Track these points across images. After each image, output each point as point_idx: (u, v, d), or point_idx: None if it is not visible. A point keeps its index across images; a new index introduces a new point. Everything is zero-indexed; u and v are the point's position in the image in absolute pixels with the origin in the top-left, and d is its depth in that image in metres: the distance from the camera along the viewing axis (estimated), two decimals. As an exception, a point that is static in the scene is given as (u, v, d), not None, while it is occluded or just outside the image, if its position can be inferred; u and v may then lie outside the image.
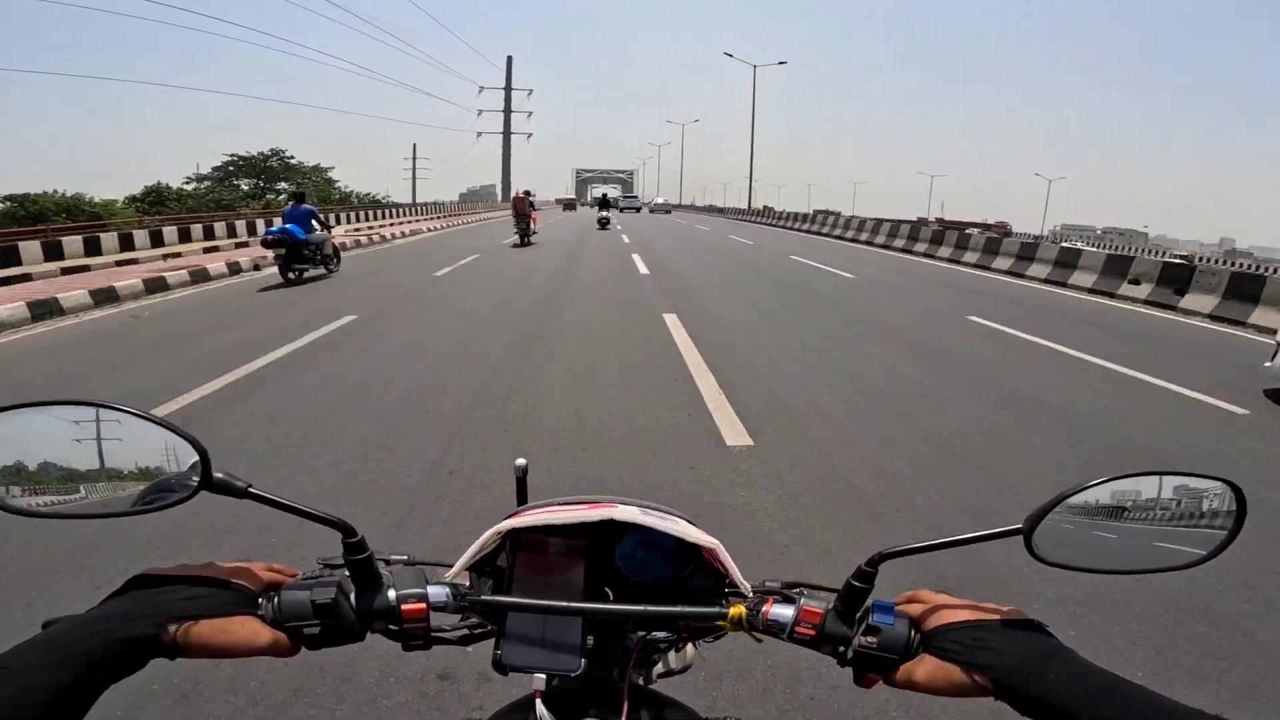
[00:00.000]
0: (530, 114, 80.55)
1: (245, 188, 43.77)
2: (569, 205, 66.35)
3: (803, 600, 0.62)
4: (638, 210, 69.22)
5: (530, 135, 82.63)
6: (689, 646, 0.79)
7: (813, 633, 0.61)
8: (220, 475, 0.55)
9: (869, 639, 0.58)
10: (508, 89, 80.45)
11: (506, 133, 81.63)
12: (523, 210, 18.41)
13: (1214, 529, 0.57)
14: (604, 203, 30.84)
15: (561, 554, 0.67)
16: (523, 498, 0.82)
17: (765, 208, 58.35)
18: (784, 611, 0.62)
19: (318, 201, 34.29)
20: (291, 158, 46.08)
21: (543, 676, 0.64)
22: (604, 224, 27.97)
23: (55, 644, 0.48)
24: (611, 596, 0.69)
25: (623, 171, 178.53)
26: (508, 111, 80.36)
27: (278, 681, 1.97)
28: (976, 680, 0.53)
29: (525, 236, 18.46)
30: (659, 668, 0.78)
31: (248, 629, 0.55)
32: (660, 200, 73.24)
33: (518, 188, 20.52)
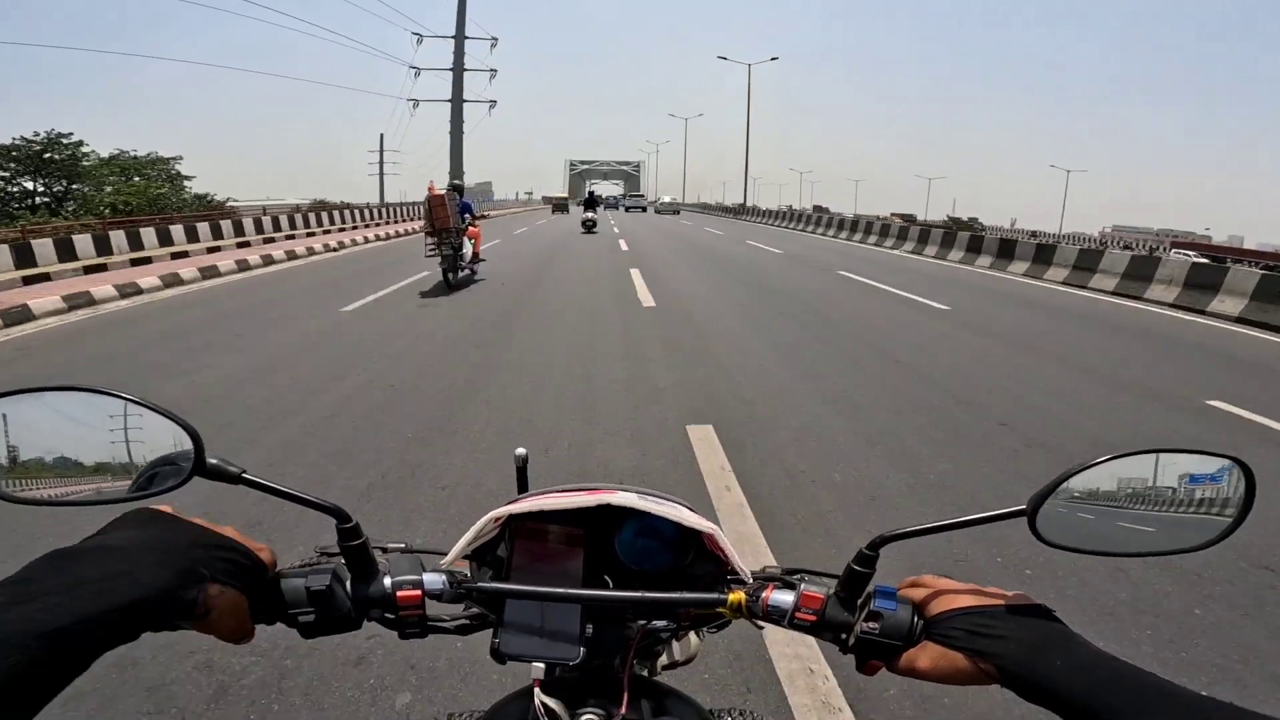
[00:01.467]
0: (493, 73, 51.12)
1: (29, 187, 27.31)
2: (559, 206, 50.74)
3: (803, 586, 0.61)
4: (643, 210, 64.01)
5: (494, 104, 52.25)
6: (692, 636, 0.78)
7: (813, 619, 0.60)
8: (214, 461, 0.55)
9: (871, 625, 0.57)
10: (459, 37, 51.17)
11: (457, 99, 51.71)
12: (447, 221, 9.59)
13: (1223, 509, 0.56)
14: (590, 202, 26.15)
15: (561, 542, 0.66)
16: (523, 487, 0.81)
17: (788, 208, 52.39)
18: (784, 597, 0.61)
19: (149, 203, 25.69)
20: (82, 144, 28.18)
21: (541, 665, 0.64)
22: (589, 227, 23.98)
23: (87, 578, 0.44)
24: (611, 585, 0.68)
25: (627, 164, 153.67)
26: (458, 69, 51.15)
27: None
28: (981, 667, 0.52)
29: (454, 271, 9.84)
30: (663, 659, 0.77)
31: (245, 611, 0.54)
32: (667, 199, 65.27)
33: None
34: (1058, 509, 0.55)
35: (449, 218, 9.48)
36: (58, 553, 0.45)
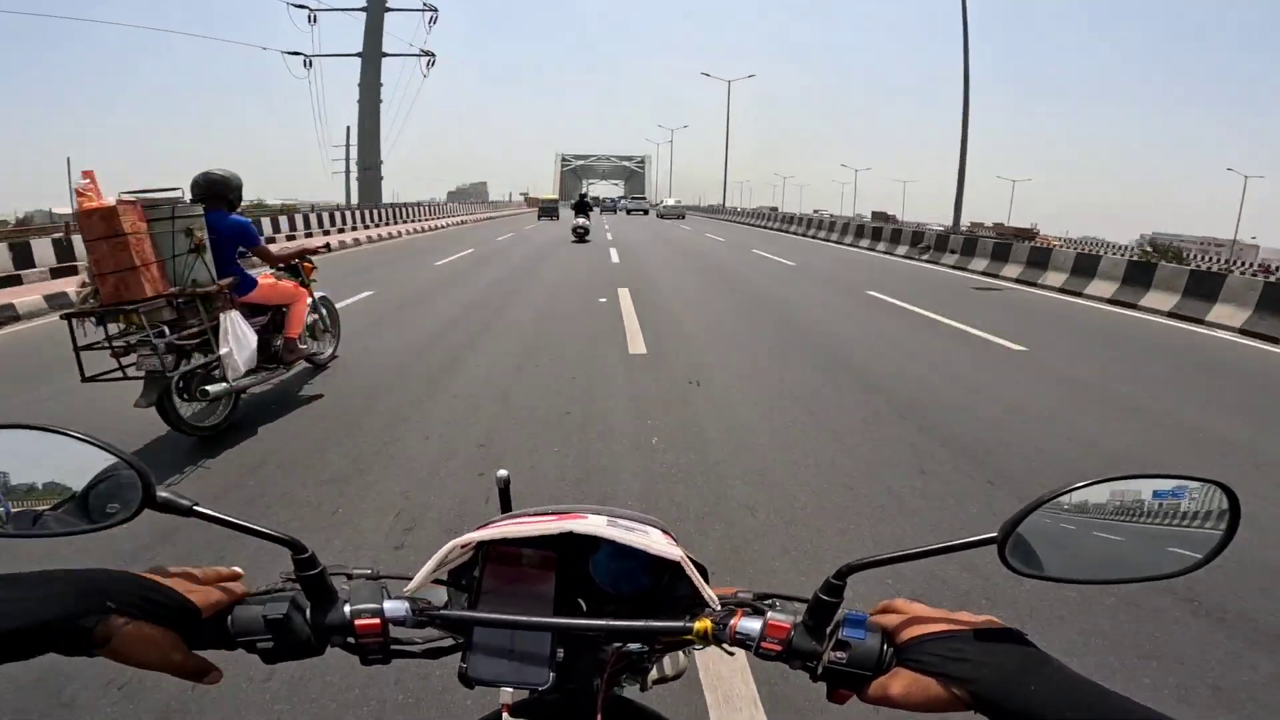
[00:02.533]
0: (434, 16, 37.04)
1: None
2: (547, 210, 40.42)
3: (770, 615, 0.60)
4: (645, 213, 57.96)
5: (433, 59, 37.89)
6: (680, 653, 0.77)
7: (779, 648, 0.59)
8: (164, 495, 0.55)
9: (839, 654, 0.56)
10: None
11: (371, 51, 38.38)
12: (139, 285, 3.35)
13: (1205, 533, 0.54)
14: (582, 206, 22.49)
15: (533, 565, 0.65)
16: (506, 507, 0.80)
17: (773, 208, 50.44)
18: (752, 625, 0.60)
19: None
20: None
21: (510, 690, 0.63)
22: (581, 235, 20.55)
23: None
24: (585, 608, 0.67)
25: (628, 159, 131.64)
26: (377, 6, 37.66)
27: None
28: (954, 693, 0.51)
29: (182, 393, 3.63)
30: (653, 674, 0.77)
31: (171, 643, 0.54)
32: (671, 202, 56.75)
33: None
34: (1031, 536, 0.53)
35: (145, 271, 3.42)
36: None
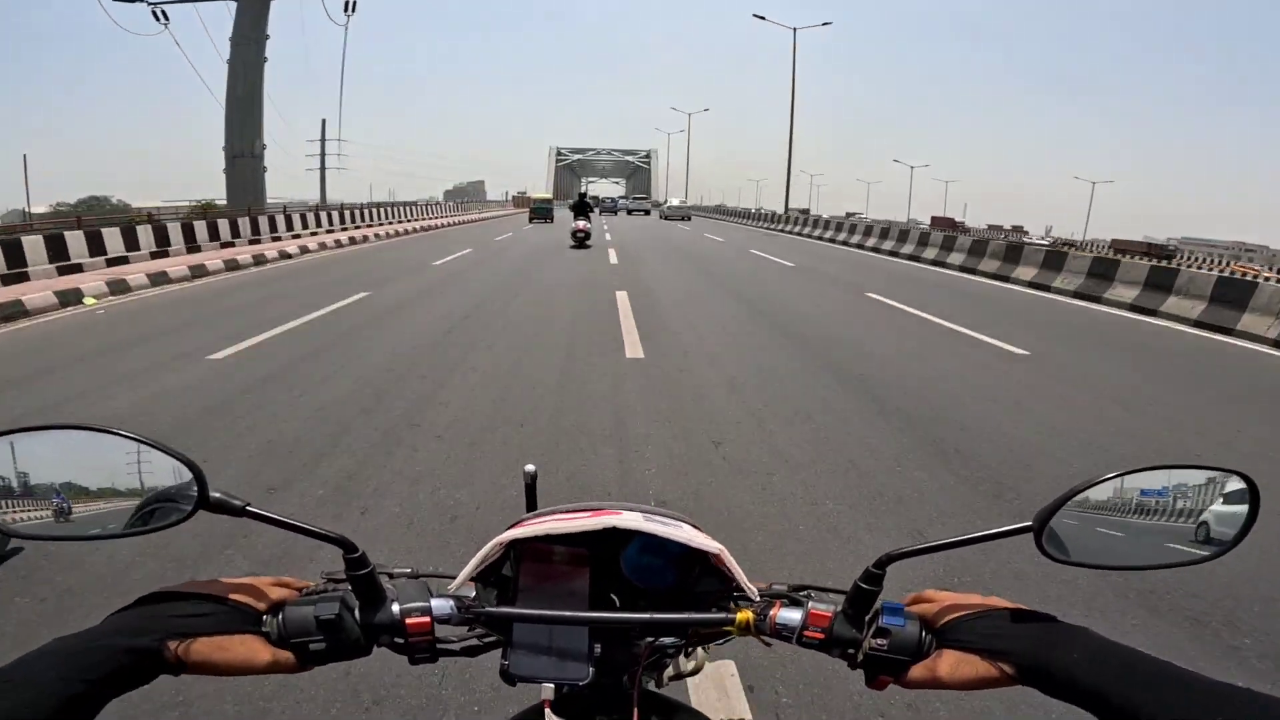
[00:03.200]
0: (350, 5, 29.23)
1: None
2: (539, 211, 35.51)
3: (810, 604, 0.62)
4: (646, 213, 55.25)
5: (351, 7, 29.30)
6: (700, 649, 0.78)
7: (821, 636, 0.60)
8: (217, 495, 0.55)
9: (879, 641, 0.58)
10: None
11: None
12: None
13: (1228, 519, 0.57)
14: (581, 207, 19.67)
15: (566, 562, 0.66)
16: (532, 504, 0.81)
17: (804, 210, 41.89)
18: (792, 615, 0.62)
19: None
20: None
21: (551, 686, 0.64)
22: (581, 240, 18.26)
23: (58, 656, 0.48)
24: (618, 603, 0.68)
25: (632, 154, 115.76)
26: None
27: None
28: (1000, 667, 0.52)
29: None
30: (669, 670, 0.78)
31: (247, 647, 0.55)
32: (675, 202, 52.07)
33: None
34: (1064, 525, 0.56)
35: None
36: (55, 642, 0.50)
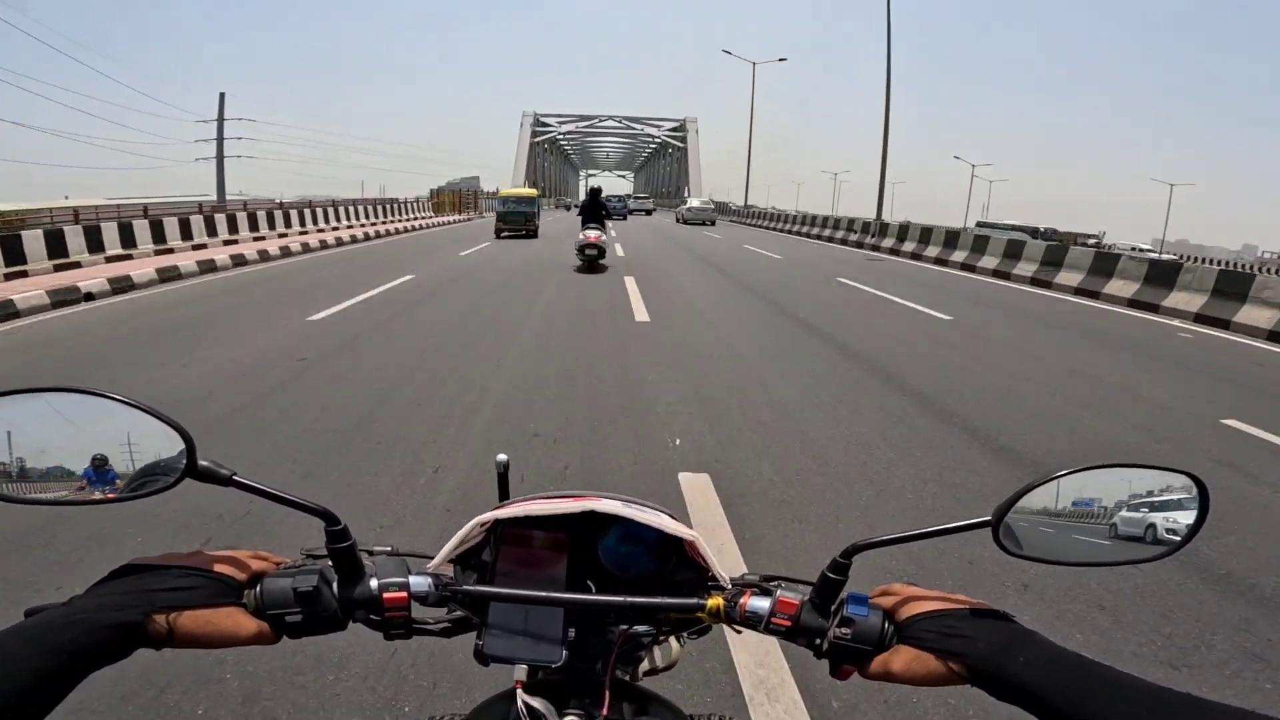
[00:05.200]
0: None
1: None
2: (511, 219, 21.72)
3: (779, 592, 0.63)
4: (648, 213, 47.52)
5: None
6: (674, 643, 0.80)
7: (788, 624, 0.62)
8: (205, 463, 0.56)
9: (844, 630, 0.59)
10: None
11: None
12: None
13: (1178, 521, 0.59)
14: (594, 209, 13.54)
15: (544, 547, 0.68)
16: (504, 493, 0.82)
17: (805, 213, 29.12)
18: (761, 603, 0.63)
19: None
20: None
21: (524, 668, 0.65)
22: (593, 258, 12.77)
23: (36, 631, 0.48)
24: (594, 589, 0.70)
25: (657, 125, 71.72)
26: None
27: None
28: (951, 667, 0.54)
29: None
30: (644, 665, 0.79)
31: (232, 620, 0.56)
32: (696, 204, 39.61)
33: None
34: (1020, 521, 0.58)
35: None
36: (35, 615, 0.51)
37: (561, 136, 76.19)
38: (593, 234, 12.84)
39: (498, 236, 21.01)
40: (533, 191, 23.52)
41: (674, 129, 71.87)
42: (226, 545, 0.62)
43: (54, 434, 0.53)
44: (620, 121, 74.01)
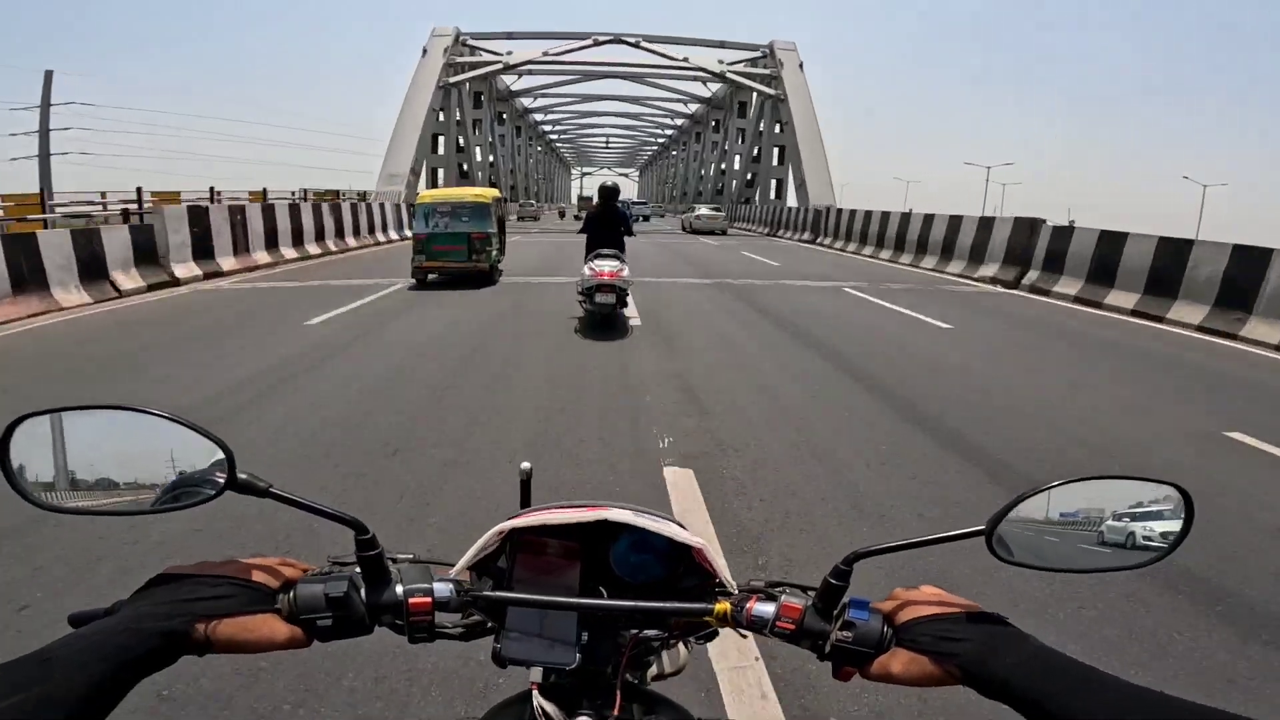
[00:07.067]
0: None
1: None
2: (440, 251, 10.81)
3: (784, 597, 0.66)
4: (647, 219, 41.30)
5: None
6: (681, 648, 0.83)
7: (792, 628, 0.65)
8: (244, 476, 0.59)
9: (845, 634, 0.62)
10: None
11: None
12: None
13: (1164, 530, 0.62)
14: (609, 221, 8.27)
15: (558, 555, 0.71)
16: (526, 500, 0.86)
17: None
18: (766, 608, 0.66)
19: None
20: None
21: (540, 670, 0.68)
22: (606, 308, 7.40)
23: (95, 640, 0.52)
24: (606, 595, 0.73)
25: (721, 53, 36.56)
26: None
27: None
28: (945, 669, 0.57)
29: None
30: (653, 669, 0.82)
31: (268, 626, 0.59)
32: (705, 211, 33.56)
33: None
34: (1013, 529, 0.61)
35: None
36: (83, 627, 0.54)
37: (518, 79, 45.40)
38: (607, 268, 7.47)
39: (415, 279, 11.21)
40: (486, 194, 12.04)
41: (759, 61, 36.36)
42: (255, 552, 0.65)
43: (104, 448, 0.57)
44: (638, 64, 39.35)
